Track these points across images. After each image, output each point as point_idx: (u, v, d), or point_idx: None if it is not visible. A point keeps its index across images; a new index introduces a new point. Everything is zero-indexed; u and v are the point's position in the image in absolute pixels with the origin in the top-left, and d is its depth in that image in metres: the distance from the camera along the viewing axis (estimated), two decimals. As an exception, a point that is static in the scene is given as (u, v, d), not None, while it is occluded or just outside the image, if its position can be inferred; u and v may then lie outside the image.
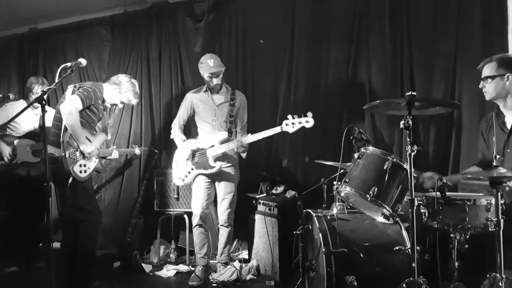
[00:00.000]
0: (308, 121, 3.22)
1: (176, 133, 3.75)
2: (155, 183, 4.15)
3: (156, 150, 4.39)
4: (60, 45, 5.10)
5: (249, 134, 3.44)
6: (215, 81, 3.56)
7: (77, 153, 3.13)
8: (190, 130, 3.87)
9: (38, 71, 5.19)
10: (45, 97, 2.45)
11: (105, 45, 4.85)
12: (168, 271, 3.76)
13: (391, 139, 3.50)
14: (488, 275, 2.07)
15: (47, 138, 3.11)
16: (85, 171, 3.17)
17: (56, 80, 2.80)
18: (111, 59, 4.79)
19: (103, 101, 3.34)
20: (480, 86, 2.58)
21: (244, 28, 4.25)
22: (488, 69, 2.53)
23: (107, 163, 4.14)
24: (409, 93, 2.13)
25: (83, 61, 2.96)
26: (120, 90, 3.37)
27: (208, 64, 3.52)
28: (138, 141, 4.53)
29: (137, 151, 4.22)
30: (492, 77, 2.50)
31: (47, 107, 2.97)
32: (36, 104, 3.26)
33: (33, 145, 3.92)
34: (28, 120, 3.99)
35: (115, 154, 3.70)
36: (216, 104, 3.64)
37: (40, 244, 4.33)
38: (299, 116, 3.23)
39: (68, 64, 2.90)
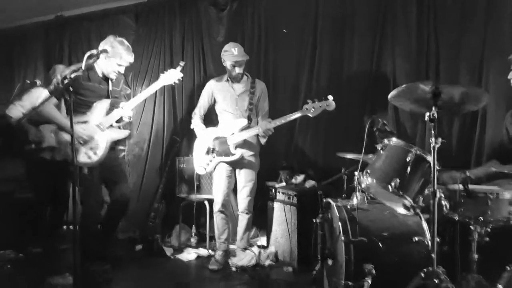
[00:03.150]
0: (329, 104, 3.21)
1: (196, 123, 3.78)
2: (176, 169, 4.24)
3: (178, 138, 4.47)
4: (85, 33, 5.18)
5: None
6: (238, 70, 3.59)
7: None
8: (211, 119, 3.92)
9: (64, 59, 5.28)
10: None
11: (129, 33, 4.89)
12: (189, 255, 3.87)
13: (414, 131, 3.49)
14: (507, 268, 2.09)
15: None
16: (95, 153, 3.13)
17: (83, 67, 2.88)
18: (135, 47, 4.73)
19: (88, 78, 3.21)
20: (509, 77, 2.56)
21: (267, 17, 4.26)
22: None
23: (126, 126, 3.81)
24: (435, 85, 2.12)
25: (109, 49, 3.03)
26: (109, 55, 3.15)
27: (233, 53, 3.55)
28: (160, 130, 4.61)
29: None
30: None
31: None
32: None
33: (57, 130, 4.03)
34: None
35: (125, 114, 3.29)
36: (237, 94, 3.67)
37: (65, 227, 4.48)
38: (320, 100, 3.24)
39: (94, 51, 2.94)
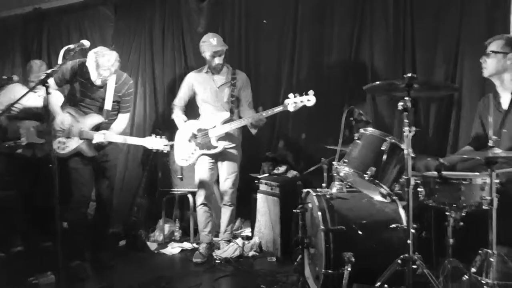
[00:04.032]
0: (309, 100, 3.23)
1: (177, 114, 3.76)
2: (159, 163, 4.21)
3: (160, 131, 4.42)
4: (64, 25, 5.10)
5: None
6: (217, 60, 3.56)
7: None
8: (194, 110, 3.91)
9: (42, 52, 5.20)
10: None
11: (109, 25, 4.84)
12: (173, 249, 3.86)
13: (392, 120, 3.54)
14: (480, 251, 2.14)
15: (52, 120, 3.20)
16: (63, 149, 3.22)
17: (60, 62, 2.86)
18: (114, 40, 4.80)
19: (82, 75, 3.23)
20: (481, 60, 2.62)
21: (248, 8, 4.24)
22: (495, 45, 2.59)
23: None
24: (409, 74, 2.16)
25: (86, 43, 2.97)
26: (88, 63, 3.14)
27: (211, 43, 3.52)
28: (141, 122, 4.58)
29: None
30: (496, 52, 2.55)
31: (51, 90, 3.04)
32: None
33: (38, 126, 3.98)
34: (31, 102, 4.04)
35: (97, 139, 3.24)
36: (217, 86, 3.65)
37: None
38: (301, 95, 3.25)
39: (72, 45, 2.92)
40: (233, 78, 3.66)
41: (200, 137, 3.57)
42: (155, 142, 3.33)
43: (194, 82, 3.73)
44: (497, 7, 3.17)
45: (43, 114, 3.90)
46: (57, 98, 3.36)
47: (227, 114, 3.54)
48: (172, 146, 3.56)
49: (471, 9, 3.27)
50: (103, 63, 3.10)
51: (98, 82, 3.20)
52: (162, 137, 3.37)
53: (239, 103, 3.69)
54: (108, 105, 3.32)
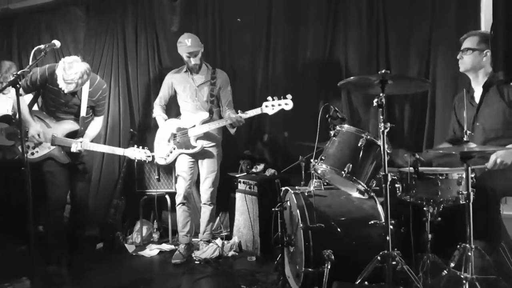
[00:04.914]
0: (287, 104, 3.28)
1: (158, 112, 3.76)
2: (135, 164, 4.13)
3: (135, 131, 4.35)
4: (34, 26, 4.95)
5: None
6: (193, 61, 3.55)
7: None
8: (172, 110, 3.86)
9: (12, 53, 5.05)
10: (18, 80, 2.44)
11: (80, 25, 4.72)
12: (151, 251, 3.79)
13: (367, 116, 3.57)
14: (458, 246, 2.15)
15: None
16: (31, 154, 3.12)
17: (30, 63, 2.77)
18: (86, 40, 4.67)
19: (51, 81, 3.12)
20: (458, 57, 2.66)
21: (221, 6, 4.20)
22: (470, 42, 2.62)
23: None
24: (383, 71, 2.15)
25: (57, 43, 2.92)
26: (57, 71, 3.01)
27: (186, 44, 3.51)
28: (116, 123, 4.47)
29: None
30: (473, 50, 2.59)
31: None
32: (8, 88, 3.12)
33: (7, 129, 3.85)
34: (1, 104, 3.91)
35: (74, 148, 3.19)
36: (196, 85, 3.63)
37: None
38: (279, 98, 3.27)
39: (42, 46, 2.88)
40: (213, 78, 3.64)
41: (179, 136, 3.54)
42: (137, 153, 3.35)
43: (174, 81, 3.72)
44: (466, 3, 3.21)
45: (13, 116, 3.79)
46: (25, 102, 3.21)
47: (206, 114, 3.53)
48: (153, 157, 3.51)
49: (442, 5, 3.30)
50: (69, 75, 2.96)
51: (66, 91, 3.08)
52: (145, 148, 3.38)
53: (219, 102, 3.67)
54: (83, 111, 3.25)
